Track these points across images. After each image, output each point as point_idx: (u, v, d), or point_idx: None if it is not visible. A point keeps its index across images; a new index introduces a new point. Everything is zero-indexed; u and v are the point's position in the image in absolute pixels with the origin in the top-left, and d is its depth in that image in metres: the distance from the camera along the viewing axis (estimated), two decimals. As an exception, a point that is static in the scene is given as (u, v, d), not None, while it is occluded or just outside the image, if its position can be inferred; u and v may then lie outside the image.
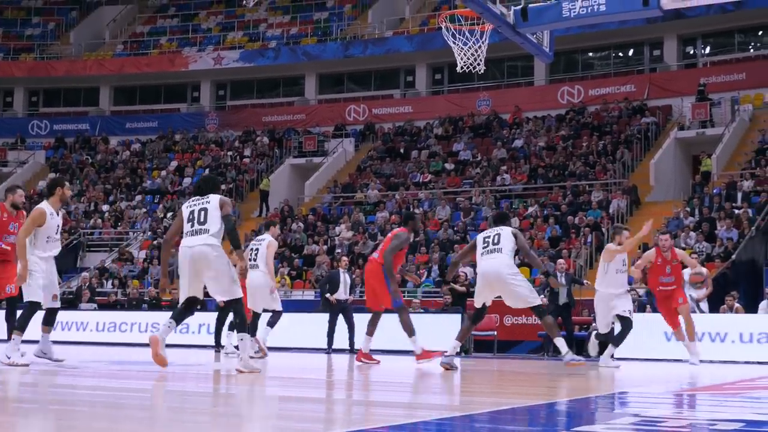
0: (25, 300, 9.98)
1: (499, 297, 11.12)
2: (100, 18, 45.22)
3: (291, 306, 19.61)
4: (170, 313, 9.37)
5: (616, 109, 32.43)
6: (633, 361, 15.57)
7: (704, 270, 14.07)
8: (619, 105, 32.53)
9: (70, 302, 22.87)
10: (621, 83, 33.91)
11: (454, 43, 13.90)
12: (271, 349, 16.02)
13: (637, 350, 15.87)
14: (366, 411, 6.17)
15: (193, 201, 9.34)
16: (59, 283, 10.95)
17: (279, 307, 13.79)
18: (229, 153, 37.12)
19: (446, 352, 11.05)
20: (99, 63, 41.57)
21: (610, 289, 12.36)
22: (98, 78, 41.70)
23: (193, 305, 9.62)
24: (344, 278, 17.52)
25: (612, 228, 13.73)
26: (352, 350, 16.76)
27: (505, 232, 10.88)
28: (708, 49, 34.50)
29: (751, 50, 33.97)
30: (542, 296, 18.59)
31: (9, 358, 9.52)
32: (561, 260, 19.23)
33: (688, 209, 24.59)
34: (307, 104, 39.44)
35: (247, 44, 40.68)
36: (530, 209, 27.09)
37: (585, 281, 18.99)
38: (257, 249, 13.40)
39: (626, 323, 12.42)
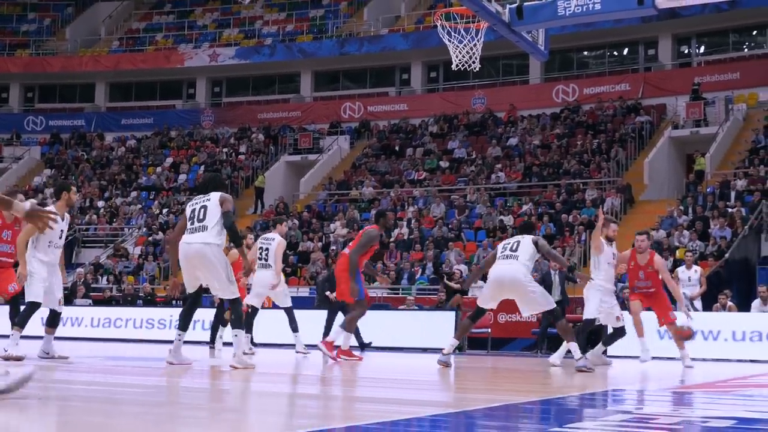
0: (26, 300, 10.06)
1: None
2: (95, 14, 45.17)
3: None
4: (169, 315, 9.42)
5: (611, 107, 32.48)
6: (626, 359, 15.62)
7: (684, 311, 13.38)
8: (613, 104, 32.57)
9: (65, 298, 22.83)
10: (616, 82, 33.96)
11: (450, 41, 13.90)
12: (266, 345, 16.07)
13: (631, 348, 15.91)
14: (359, 407, 6.18)
15: (196, 199, 9.50)
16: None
17: (290, 303, 13.85)
18: (225, 150, 37.11)
19: (444, 350, 11.04)
20: (94, 59, 41.53)
21: (605, 283, 12.26)
22: (94, 74, 41.66)
23: (194, 306, 9.69)
24: None
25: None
26: (361, 347, 16.83)
27: (525, 241, 10.91)
28: (702, 49, 34.57)
29: (746, 50, 34.04)
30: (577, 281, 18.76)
31: (6, 351, 9.58)
32: (555, 252, 19.25)
33: (681, 208, 24.64)
34: (302, 101, 39.42)
35: (243, 41, 40.67)
36: (524, 207, 27.11)
37: (578, 279, 18.99)
38: (267, 248, 13.40)
39: (620, 331, 12.55)
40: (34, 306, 10.01)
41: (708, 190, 25.50)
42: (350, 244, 12.62)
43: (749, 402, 7.27)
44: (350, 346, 12.48)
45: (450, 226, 26.67)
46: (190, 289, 9.56)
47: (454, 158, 32.32)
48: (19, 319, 9.95)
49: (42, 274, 10.01)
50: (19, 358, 9.56)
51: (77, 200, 10.42)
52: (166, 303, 22.57)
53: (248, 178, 34.96)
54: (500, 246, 11.19)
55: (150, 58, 40.92)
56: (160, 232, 30.81)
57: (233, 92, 41.47)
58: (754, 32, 34.01)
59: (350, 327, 11.96)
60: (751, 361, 15.71)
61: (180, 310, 10.37)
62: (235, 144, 37.68)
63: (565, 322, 11.05)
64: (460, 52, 13.86)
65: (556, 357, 12.10)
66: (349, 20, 40.17)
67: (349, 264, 11.72)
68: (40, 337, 10.60)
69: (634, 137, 30.25)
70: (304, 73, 39.75)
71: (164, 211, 32.82)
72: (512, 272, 10.67)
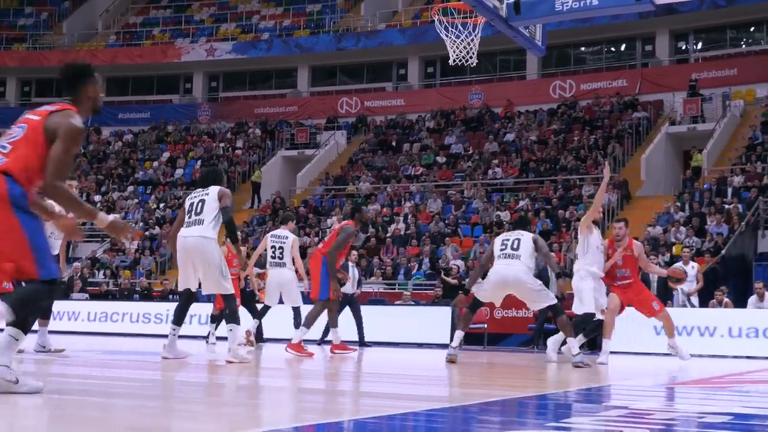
0: None
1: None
2: (92, 8, 45.10)
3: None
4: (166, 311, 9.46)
5: (608, 103, 32.48)
6: (622, 354, 15.65)
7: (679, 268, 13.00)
8: (610, 100, 32.58)
9: (62, 292, 22.86)
10: (613, 78, 33.98)
11: (447, 36, 13.87)
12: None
13: (626, 344, 15.94)
14: (356, 401, 6.18)
15: (195, 193, 9.53)
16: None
17: (300, 303, 13.84)
18: (222, 144, 37.08)
19: (452, 343, 11.05)
20: (92, 53, 41.40)
21: (593, 268, 11.74)
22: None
23: (189, 301, 9.69)
24: (353, 272, 17.51)
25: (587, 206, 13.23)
26: (361, 344, 16.83)
27: (526, 238, 10.84)
28: (700, 45, 34.59)
29: (743, 46, 34.06)
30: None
31: None
32: (552, 254, 19.24)
33: (678, 204, 24.65)
34: (299, 96, 39.40)
35: (240, 36, 40.61)
36: (521, 203, 27.11)
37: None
38: (282, 247, 13.32)
39: (600, 327, 12.06)
40: None
41: (705, 186, 25.51)
42: (324, 241, 12.56)
43: (745, 398, 7.28)
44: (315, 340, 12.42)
45: (447, 221, 26.67)
46: (183, 285, 9.57)
47: (450, 154, 32.31)
48: None
49: None
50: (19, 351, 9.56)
51: (76, 193, 10.31)
52: (163, 297, 22.60)
53: (245, 172, 34.94)
54: (498, 242, 11.07)
55: (147, 53, 40.87)
56: (156, 227, 30.79)
57: (230, 87, 41.45)
58: (752, 28, 34.01)
59: (311, 322, 11.86)
60: (747, 357, 15.73)
61: (176, 304, 10.38)
62: (232, 139, 37.65)
63: (565, 318, 10.95)
64: (457, 48, 13.83)
65: (551, 351, 12.07)
66: (346, 15, 40.14)
67: (329, 262, 11.64)
68: (34, 331, 10.55)
69: (631, 133, 30.26)
70: (301, 68, 39.72)
71: (161, 205, 32.80)
72: (515, 272, 10.65)
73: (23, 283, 5.09)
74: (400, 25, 37.94)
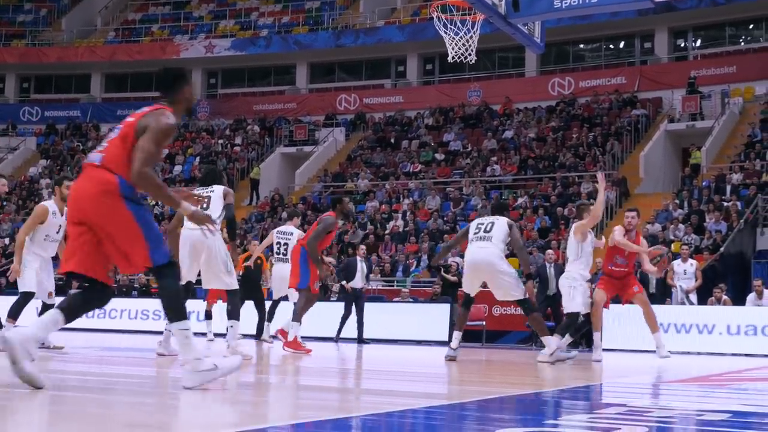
0: (19, 290, 10.05)
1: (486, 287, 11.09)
2: (91, 5, 45.07)
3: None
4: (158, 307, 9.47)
5: (607, 101, 32.47)
6: (619, 352, 15.65)
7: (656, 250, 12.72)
8: (609, 97, 32.57)
9: (60, 288, 22.81)
10: (612, 75, 33.98)
11: (446, 33, 13.86)
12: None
13: (624, 341, 15.95)
14: (354, 398, 6.18)
15: (198, 190, 9.58)
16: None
17: None
18: (220, 141, 37.06)
19: (451, 344, 10.98)
20: (90, 50, 41.44)
21: (585, 272, 11.64)
22: (90, 65, 41.59)
23: (185, 297, 9.70)
24: (361, 266, 17.55)
25: (577, 207, 12.74)
26: (359, 341, 16.86)
27: (500, 222, 10.71)
28: (699, 42, 34.59)
29: (742, 43, 34.05)
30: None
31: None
32: (550, 251, 19.25)
33: (677, 201, 24.65)
34: (298, 93, 39.39)
35: (239, 33, 40.60)
36: (520, 200, 27.12)
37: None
38: (286, 243, 13.38)
39: (575, 320, 11.78)
40: (28, 296, 10.00)
41: (704, 183, 25.50)
42: (306, 232, 12.58)
43: (744, 395, 7.27)
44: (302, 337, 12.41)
45: (445, 218, 26.66)
46: (191, 277, 9.62)
47: (449, 151, 32.30)
48: (12, 310, 9.93)
49: (34, 264, 10.01)
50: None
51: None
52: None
53: (243, 169, 34.92)
54: (473, 225, 10.94)
55: (146, 49, 40.83)
56: (155, 223, 30.72)
57: (229, 84, 41.44)
58: (751, 26, 34.02)
59: (300, 316, 11.86)
60: (746, 355, 15.72)
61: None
62: (231, 135, 37.63)
63: (537, 315, 10.80)
64: (456, 45, 13.82)
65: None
66: (344, 12, 40.11)
67: (310, 251, 11.58)
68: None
69: (630, 130, 30.25)
70: (299, 65, 39.70)
71: (159, 202, 32.73)
72: (486, 255, 10.50)
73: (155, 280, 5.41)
74: (398, 22, 37.93)
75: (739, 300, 18.03)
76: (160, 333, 9.89)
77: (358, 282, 17.35)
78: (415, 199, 28.70)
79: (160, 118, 5.33)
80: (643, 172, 28.22)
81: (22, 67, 42.59)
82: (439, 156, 31.94)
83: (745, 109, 30.16)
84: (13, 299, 10.36)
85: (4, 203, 34.62)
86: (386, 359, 12.19)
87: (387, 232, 26.49)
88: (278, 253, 13.42)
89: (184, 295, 5.62)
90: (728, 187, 24.80)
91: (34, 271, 10.02)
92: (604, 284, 11.85)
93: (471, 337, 19.26)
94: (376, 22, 38.43)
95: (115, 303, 22.21)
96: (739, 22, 33.70)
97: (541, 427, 4.38)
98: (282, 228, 13.79)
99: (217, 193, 9.45)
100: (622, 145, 29.62)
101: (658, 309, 16.73)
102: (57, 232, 10.12)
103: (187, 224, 9.36)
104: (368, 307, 17.64)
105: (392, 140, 34.21)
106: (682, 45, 34.70)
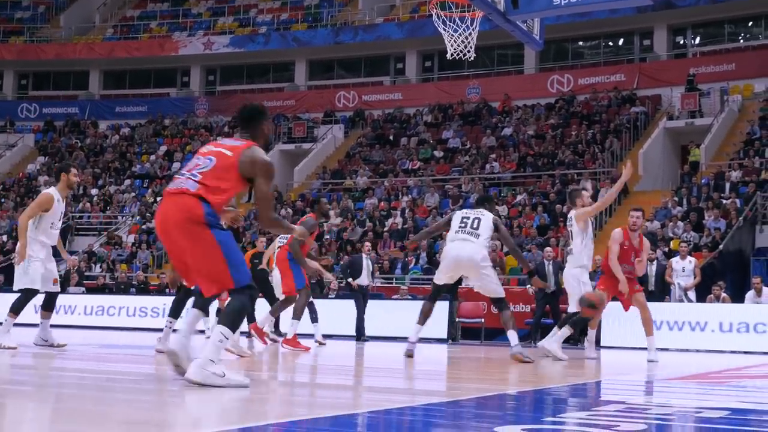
0: (22, 287, 9.93)
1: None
2: (90, 1, 45.00)
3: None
4: (157, 303, 9.43)
5: (606, 98, 32.44)
6: (618, 349, 15.65)
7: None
8: (608, 94, 32.54)
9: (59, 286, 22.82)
10: (611, 72, 33.92)
11: (445, 30, 13.84)
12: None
13: (623, 339, 15.94)
14: (352, 396, 6.16)
15: None
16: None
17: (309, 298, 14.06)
18: (219, 138, 36.99)
19: (410, 338, 10.77)
20: (89, 47, 41.36)
21: (589, 262, 11.50)
22: (88, 62, 41.52)
23: (187, 294, 9.69)
24: (367, 264, 17.56)
25: (569, 194, 12.46)
26: (359, 338, 16.90)
27: (486, 219, 10.51)
28: (698, 40, 34.54)
29: (741, 41, 34.01)
30: (529, 285, 18.65)
31: None
32: (548, 248, 19.24)
33: (676, 199, 24.63)
34: (296, 90, 39.33)
35: (238, 29, 40.53)
36: (519, 197, 27.10)
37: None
38: None
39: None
40: (31, 293, 9.93)
41: (702, 181, 25.49)
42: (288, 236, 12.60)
43: (742, 393, 7.26)
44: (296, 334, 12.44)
45: (444, 216, 26.61)
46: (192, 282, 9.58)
47: (448, 148, 32.27)
48: (14, 305, 9.85)
49: (40, 255, 9.94)
50: (12, 348, 9.51)
51: (77, 181, 10.31)
52: (159, 291, 22.56)
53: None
54: (457, 216, 10.69)
55: (144, 46, 40.78)
56: (153, 221, 30.72)
57: (227, 81, 41.39)
58: (750, 23, 33.99)
59: (300, 313, 11.93)
60: (744, 352, 15.72)
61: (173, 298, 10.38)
62: (230, 132, 37.55)
63: (508, 313, 10.43)
64: (455, 42, 13.80)
65: (554, 346, 11.53)
66: (343, 9, 40.06)
67: (294, 254, 11.57)
68: (36, 325, 10.50)
69: (629, 128, 30.21)
70: (298, 62, 39.64)
71: (158, 199, 32.72)
72: (470, 252, 10.31)
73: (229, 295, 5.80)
74: (397, 19, 37.88)
75: (738, 297, 18.03)
76: (160, 330, 9.84)
77: (364, 279, 17.36)
78: (413, 196, 28.68)
79: (264, 160, 5.85)
80: (642, 170, 28.17)
81: (20, 63, 42.52)
82: (438, 153, 31.91)
83: (744, 106, 30.14)
84: (11, 297, 10.32)
85: (2, 200, 34.62)
86: (385, 356, 12.19)
87: (386, 229, 26.46)
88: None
89: (246, 314, 5.97)
90: (727, 185, 24.78)
91: (41, 263, 9.92)
92: (605, 284, 11.64)
93: (470, 334, 19.29)
94: (375, 19, 38.38)
95: (114, 300, 22.24)
96: (738, 20, 33.66)
97: (540, 424, 4.38)
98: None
99: None
100: (621, 143, 29.58)
101: (656, 306, 16.84)
102: (59, 220, 10.08)
103: None
104: (368, 304, 17.67)
105: (391, 137, 34.17)
106: (682, 42, 34.67)
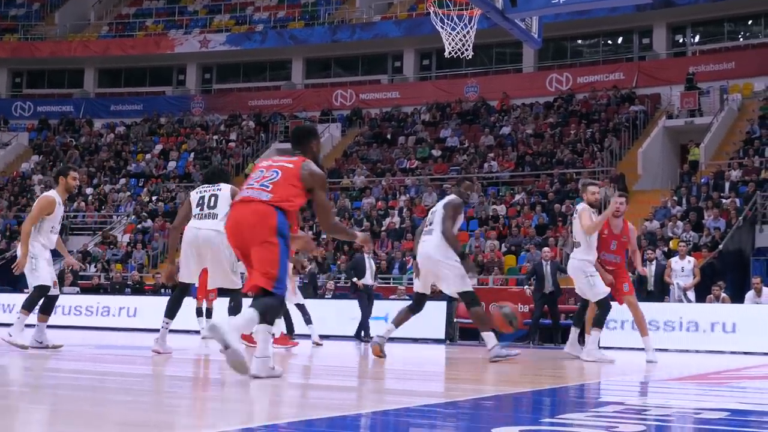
0: (33, 285, 9.81)
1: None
2: (85, -1, 44.90)
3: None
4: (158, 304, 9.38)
5: (605, 97, 32.37)
6: (617, 350, 15.52)
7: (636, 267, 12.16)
8: (607, 93, 32.48)
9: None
10: (610, 71, 33.86)
11: (442, 28, 13.72)
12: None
13: (622, 339, 15.82)
14: (349, 397, 6.13)
15: (203, 188, 9.58)
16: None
17: (302, 300, 14.17)
18: (215, 137, 36.92)
19: (382, 332, 10.51)
20: (84, 44, 41.25)
21: (593, 259, 11.10)
22: (83, 60, 41.41)
23: (183, 294, 9.61)
24: (370, 263, 17.50)
25: (581, 184, 12.04)
26: (364, 337, 16.81)
27: (439, 211, 10.08)
28: (697, 38, 34.49)
29: (741, 39, 33.96)
30: (527, 285, 18.53)
31: (11, 335, 9.49)
32: (546, 249, 19.13)
33: (675, 198, 24.56)
34: (293, 89, 39.25)
35: (234, 27, 40.44)
36: (517, 197, 27.01)
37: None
38: None
39: (607, 304, 11.18)
40: (43, 289, 9.83)
41: (702, 180, 25.42)
42: None
43: (742, 394, 7.22)
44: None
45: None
46: (187, 279, 9.55)
47: (446, 147, 32.20)
48: (26, 302, 9.76)
49: (45, 255, 9.86)
50: (23, 347, 9.44)
51: (76, 185, 10.22)
52: (155, 291, 22.45)
53: (238, 165, 34.76)
54: (428, 218, 10.35)
55: (140, 44, 40.69)
56: (149, 220, 30.62)
57: (224, 79, 41.28)
58: (750, 21, 33.94)
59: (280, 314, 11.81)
60: (744, 353, 15.64)
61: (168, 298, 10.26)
62: (226, 131, 37.49)
63: (480, 310, 9.96)
64: (453, 40, 13.68)
65: (594, 354, 11.07)
66: (341, 7, 39.97)
67: None
68: (32, 326, 10.38)
69: (628, 127, 30.15)
70: (295, 60, 39.57)
71: (153, 198, 32.62)
72: (425, 248, 9.97)
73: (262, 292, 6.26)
74: (395, 17, 37.80)
75: (737, 298, 17.96)
76: (156, 330, 9.75)
77: (368, 279, 17.28)
78: (411, 195, 28.58)
79: (321, 174, 6.53)
80: (641, 169, 28.11)
81: (15, 61, 42.43)
82: (436, 152, 31.83)
83: (743, 105, 30.08)
84: (8, 297, 10.22)
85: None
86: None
87: (383, 228, 26.36)
88: None
89: (281, 309, 6.64)
90: (727, 184, 24.72)
91: (46, 261, 9.85)
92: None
93: (468, 334, 19.17)
94: (373, 17, 38.30)
95: (108, 300, 22.13)
96: (738, 18, 33.62)
97: (537, 425, 4.34)
98: None
99: (224, 192, 9.39)
100: (620, 142, 29.52)
101: (656, 307, 16.77)
102: (59, 223, 10.01)
103: (193, 223, 9.30)
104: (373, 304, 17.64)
105: (389, 136, 34.09)
106: (681, 41, 34.60)
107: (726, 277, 19.19)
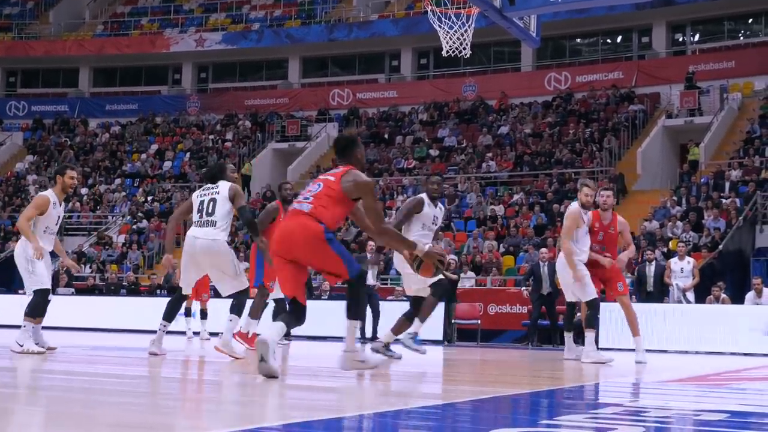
0: (32, 289, 9.64)
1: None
2: (80, -3, 44.79)
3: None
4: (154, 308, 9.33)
5: (604, 96, 32.30)
6: (615, 351, 15.38)
7: (627, 257, 11.79)
8: (606, 92, 32.41)
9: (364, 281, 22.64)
10: (609, 70, 33.80)
11: (440, 27, 13.63)
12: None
13: (619, 340, 15.66)
14: (346, 398, 6.08)
15: (204, 190, 9.37)
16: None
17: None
18: (211, 137, 36.82)
19: (382, 336, 10.52)
20: (79, 43, 41.12)
21: (584, 257, 10.95)
22: (78, 59, 41.29)
23: (182, 297, 9.51)
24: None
25: (579, 183, 11.86)
26: (373, 338, 16.63)
27: (222, 192, 9.33)
28: (697, 37, 34.44)
29: (741, 38, 33.93)
30: (525, 286, 18.39)
31: (21, 345, 9.33)
32: (544, 249, 18.99)
33: (675, 198, 24.48)
34: (290, 88, 39.16)
35: (230, 26, 40.33)
36: (515, 197, 26.93)
37: None
38: None
39: (597, 304, 11.03)
40: (45, 293, 9.66)
41: (702, 180, 25.36)
42: None
43: (742, 395, 7.20)
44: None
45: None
46: (186, 286, 9.43)
47: (444, 146, 32.12)
48: (30, 308, 9.58)
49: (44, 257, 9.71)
50: (41, 352, 9.34)
51: (74, 184, 10.04)
52: (150, 292, 22.34)
53: (235, 165, 34.56)
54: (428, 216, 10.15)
55: (135, 43, 40.60)
56: (144, 220, 30.50)
57: (220, 78, 41.19)
58: (750, 20, 33.90)
59: (257, 312, 11.66)
60: (744, 354, 15.55)
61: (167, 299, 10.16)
62: (222, 131, 37.39)
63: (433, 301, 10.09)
64: (450, 39, 13.59)
65: (592, 355, 10.90)
66: (338, 5, 39.89)
67: (262, 248, 10.12)
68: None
69: (627, 126, 30.07)
70: (292, 59, 39.49)
71: (149, 198, 32.50)
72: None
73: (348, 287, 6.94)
74: (392, 16, 37.73)
75: (737, 298, 17.89)
76: (153, 332, 9.63)
77: (370, 279, 17.14)
78: (409, 195, 28.43)
79: (365, 180, 6.89)
80: (640, 169, 28.05)
81: (9, 60, 42.35)
82: (434, 152, 31.74)
83: (743, 104, 30.03)
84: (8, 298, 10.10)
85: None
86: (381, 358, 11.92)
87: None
88: None
89: (365, 301, 7.12)
90: (727, 184, 24.65)
91: (44, 263, 9.68)
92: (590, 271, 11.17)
93: (466, 336, 19.05)
94: (370, 16, 38.23)
95: (103, 301, 22.04)
96: (738, 17, 33.59)
97: (536, 427, 4.32)
98: None
99: (222, 194, 9.18)
100: (619, 141, 29.45)
101: (655, 307, 16.67)
102: (56, 224, 9.84)
103: (192, 231, 9.14)
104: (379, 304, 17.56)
105: (386, 136, 34.01)
106: (681, 39, 34.54)
107: (726, 277, 19.12)
